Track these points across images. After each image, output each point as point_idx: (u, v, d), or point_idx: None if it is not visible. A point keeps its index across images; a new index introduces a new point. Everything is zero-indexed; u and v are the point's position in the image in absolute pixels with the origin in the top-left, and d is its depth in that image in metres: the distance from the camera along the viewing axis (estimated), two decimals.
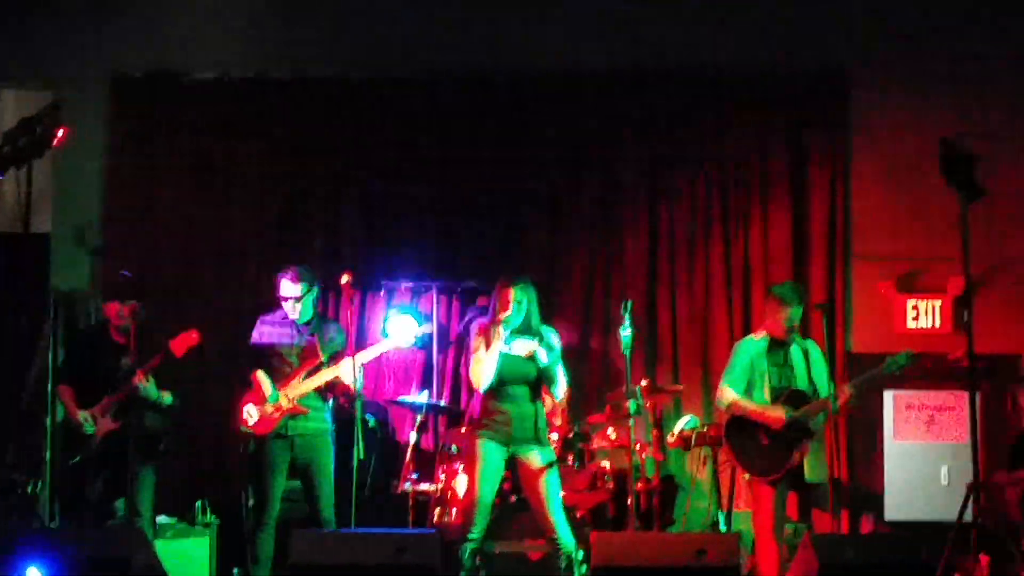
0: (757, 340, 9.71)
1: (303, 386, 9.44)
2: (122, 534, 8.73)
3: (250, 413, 9.45)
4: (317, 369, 9.47)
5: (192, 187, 11.94)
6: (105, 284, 10.79)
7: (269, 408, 9.40)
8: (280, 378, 9.49)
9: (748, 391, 9.60)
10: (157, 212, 11.91)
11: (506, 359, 8.84)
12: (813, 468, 9.41)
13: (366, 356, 9.44)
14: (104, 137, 11.96)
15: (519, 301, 8.87)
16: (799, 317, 9.65)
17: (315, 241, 11.77)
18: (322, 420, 9.58)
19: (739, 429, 9.61)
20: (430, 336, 9.81)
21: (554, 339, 9.00)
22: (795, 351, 9.59)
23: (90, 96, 11.81)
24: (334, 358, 9.50)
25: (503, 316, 8.79)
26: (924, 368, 10.20)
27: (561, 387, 9.01)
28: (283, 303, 9.61)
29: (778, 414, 9.37)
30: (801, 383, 9.49)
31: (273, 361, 9.58)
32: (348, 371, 9.22)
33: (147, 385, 9.44)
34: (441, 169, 11.92)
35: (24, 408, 10.81)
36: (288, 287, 9.57)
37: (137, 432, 9.46)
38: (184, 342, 9.47)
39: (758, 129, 11.81)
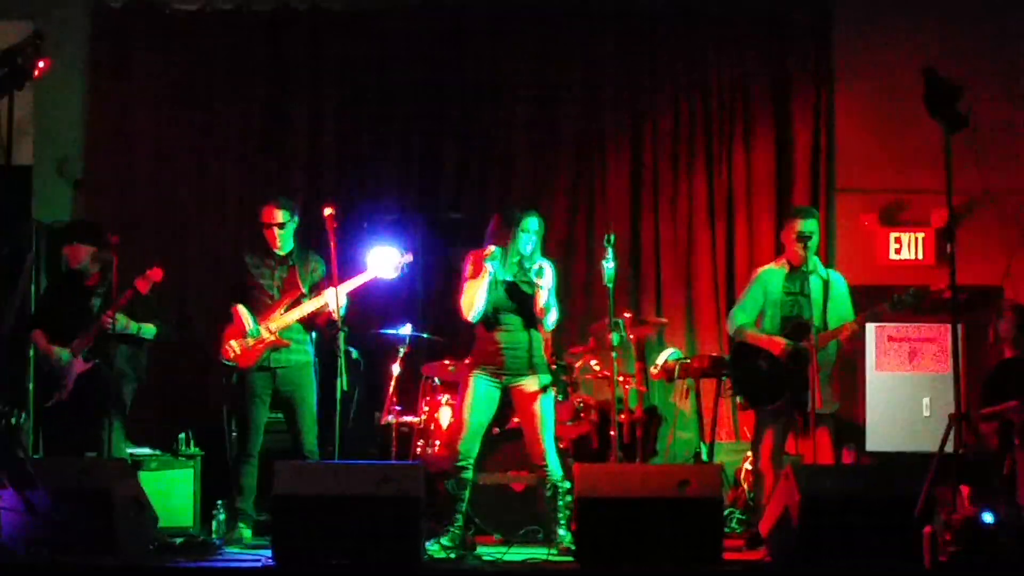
0: (776, 268, 9.53)
1: (285, 318, 9.43)
2: (105, 465, 8.74)
3: (232, 347, 9.44)
4: (298, 301, 9.47)
5: (172, 118, 11.90)
6: (68, 225, 10.71)
7: (251, 342, 9.39)
8: (261, 311, 9.48)
9: (760, 319, 9.53)
10: (138, 144, 11.88)
11: (506, 288, 8.84)
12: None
13: (349, 286, 9.40)
14: (85, 68, 11.91)
15: (533, 231, 8.85)
16: (812, 232, 9.31)
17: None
18: (304, 352, 9.58)
19: (742, 357, 9.51)
20: (412, 267, 9.77)
21: (548, 270, 8.98)
22: (815, 280, 9.27)
23: (71, 27, 11.75)
24: (315, 289, 9.50)
25: (489, 252, 8.77)
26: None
27: (552, 318, 8.99)
28: (266, 231, 9.59)
29: (779, 342, 9.33)
30: (815, 313, 9.28)
31: (254, 293, 9.56)
32: (331, 301, 9.21)
33: (115, 324, 9.43)
34: (422, 100, 11.89)
35: (6, 338, 10.80)
36: (273, 213, 9.56)
37: (110, 372, 9.48)
38: (148, 280, 9.47)
39: (741, 61, 11.79)
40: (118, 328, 9.43)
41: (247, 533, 9.40)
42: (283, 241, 9.57)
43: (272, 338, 9.39)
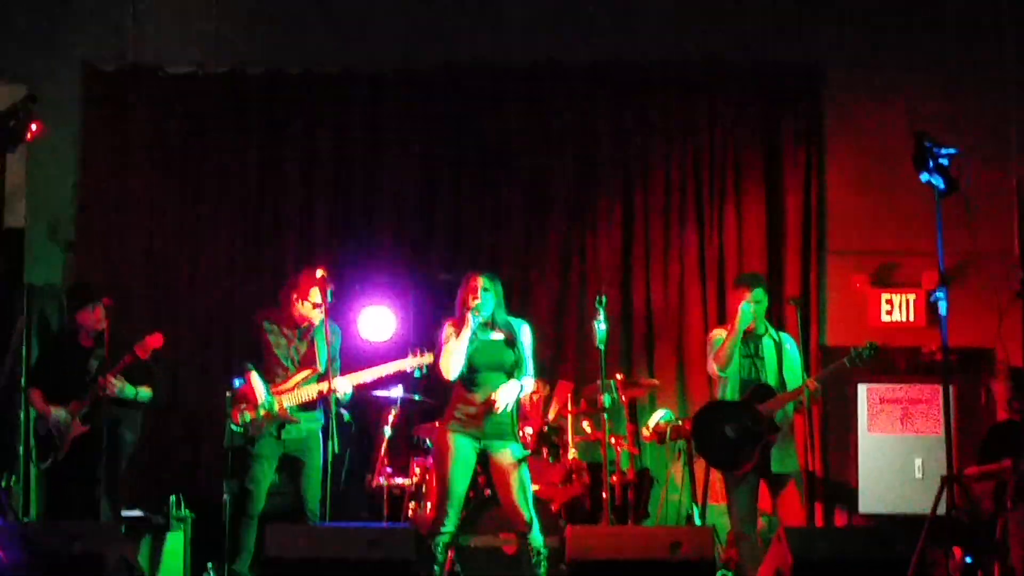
0: (727, 333, 9.65)
1: (298, 395, 9.34)
2: (97, 529, 8.70)
3: (243, 416, 9.32)
4: (309, 380, 9.36)
5: (166, 181, 11.91)
6: (70, 290, 10.67)
7: (262, 413, 9.27)
8: (275, 380, 9.41)
9: (720, 384, 9.56)
10: (131, 206, 11.88)
11: (478, 346, 8.83)
12: (781, 459, 9.36)
13: (363, 377, 9.38)
14: (78, 131, 11.92)
15: (486, 289, 8.87)
16: (763, 300, 9.61)
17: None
18: (313, 419, 9.45)
19: (706, 423, 9.57)
20: (404, 327, 9.67)
21: (525, 332, 8.99)
22: (767, 343, 9.55)
23: (64, 89, 11.77)
24: (333, 362, 9.36)
25: (473, 304, 8.79)
26: (893, 361, 10.27)
27: (528, 385, 8.98)
28: (307, 306, 9.39)
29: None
30: (771, 376, 9.44)
31: (269, 361, 9.46)
32: (342, 385, 9.17)
33: (116, 387, 9.39)
34: (415, 161, 11.92)
35: None
36: (324, 292, 9.28)
37: (107, 434, 9.42)
38: (149, 345, 9.44)
39: (732, 123, 11.82)
40: (117, 392, 9.40)
41: None
42: (316, 319, 9.48)
43: (283, 413, 9.28)
